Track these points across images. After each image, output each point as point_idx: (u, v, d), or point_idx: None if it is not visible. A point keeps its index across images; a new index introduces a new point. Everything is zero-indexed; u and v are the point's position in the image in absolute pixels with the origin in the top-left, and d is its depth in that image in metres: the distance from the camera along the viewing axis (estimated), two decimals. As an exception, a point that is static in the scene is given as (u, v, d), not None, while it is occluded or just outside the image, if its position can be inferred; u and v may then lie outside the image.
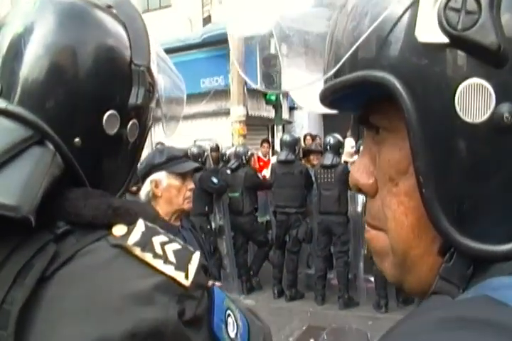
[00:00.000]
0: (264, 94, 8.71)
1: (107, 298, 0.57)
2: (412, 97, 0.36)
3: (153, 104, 0.78)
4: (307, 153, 5.65)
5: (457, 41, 0.34)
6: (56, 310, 0.55)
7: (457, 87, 0.35)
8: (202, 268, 0.65)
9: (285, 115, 10.47)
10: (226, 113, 9.07)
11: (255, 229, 5.36)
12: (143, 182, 1.98)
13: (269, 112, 9.98)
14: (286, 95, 8.33)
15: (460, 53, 0.35)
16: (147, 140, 0.77)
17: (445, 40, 0.34)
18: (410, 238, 0.40)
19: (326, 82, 0.44)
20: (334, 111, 0.50)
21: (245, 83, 7.70)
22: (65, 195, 0.62)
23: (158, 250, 0.61)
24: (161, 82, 0.86)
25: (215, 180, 4.94)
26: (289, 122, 11.00)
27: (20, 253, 0.57)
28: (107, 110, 0.66)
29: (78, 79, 0.64)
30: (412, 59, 0.36)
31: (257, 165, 6.00)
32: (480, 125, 0.34)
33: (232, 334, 0.67)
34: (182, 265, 0.61)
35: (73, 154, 0.64)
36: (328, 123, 10.45)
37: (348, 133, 6.15)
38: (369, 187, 0.44)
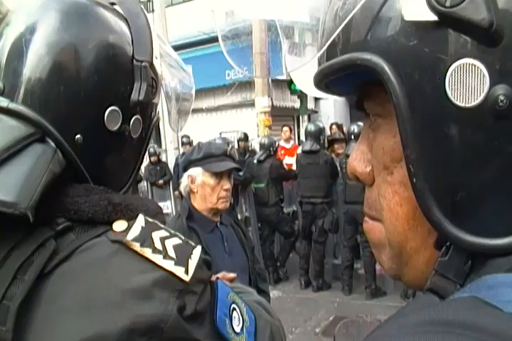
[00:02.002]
0: (289, 84, 8.61)
1: (106, 294, 0.56)
2: (400, 80, 0.34)
3: (157, 99, 0.77)
4: (331, 142, 5.57)
5: (446, 19, 0.31)
6: (55, 306, 0.56)
7: (448, 68, 0.32)
8: (204, 262, 0.64)
9: (310, 105, 10.35)
10: (251, 104, 9.02)
11: (281, 219, 5.34)
12: (182, 175, 1.97)
13: (294, 102, 9.87)
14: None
15: (450, 32, 0.32)
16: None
17: (433, 17, 0.31)
18: (405, 229, 0.38)
19: (319, 65, 0.42)
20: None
21: (268, 73, 7.61)
22: (66, 191, 0.62)
23: (158, 245, 0.60)
24: (168, 77, 0.85)
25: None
26: (315, 112, 10.87)
27: (21, 250, 0.57)
28: (109, 106, 0.66)
29: (79, 76, 0.64)
30: (401, 39, 0.34)
31: (279, 154, 5.95)
32: (473, 109, 0.31)
33: (237, 329, 0.66)
34: (182, 260, 0.60)
35: (75, 151, 0.64)
36: (355, 112, 10.26)
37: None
38: (366, 176, 0.42)
